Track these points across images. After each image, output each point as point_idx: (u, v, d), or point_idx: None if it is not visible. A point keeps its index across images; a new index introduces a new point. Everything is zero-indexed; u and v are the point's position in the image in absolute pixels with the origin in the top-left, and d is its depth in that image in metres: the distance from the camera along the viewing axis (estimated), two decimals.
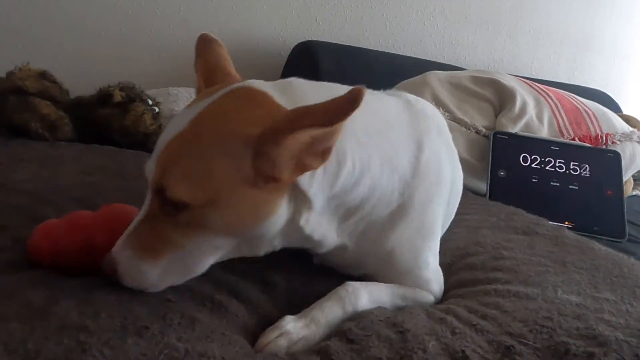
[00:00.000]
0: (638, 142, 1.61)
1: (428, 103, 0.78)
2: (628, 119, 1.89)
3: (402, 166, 0.62)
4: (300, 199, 0.53)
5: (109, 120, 1.09)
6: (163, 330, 0.46)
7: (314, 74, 1.68)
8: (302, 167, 0.49)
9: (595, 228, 1.29)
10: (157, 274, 0.51)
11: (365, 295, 0.61)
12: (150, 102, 1.18)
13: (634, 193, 1.82)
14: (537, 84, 1.66)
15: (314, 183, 0.53)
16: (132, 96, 1.13)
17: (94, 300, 0.50)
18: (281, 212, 0.52)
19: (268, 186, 0.49)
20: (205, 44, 0.65)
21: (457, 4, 2.16)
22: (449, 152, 0.74)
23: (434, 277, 0.70)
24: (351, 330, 0.54)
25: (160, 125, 1.17)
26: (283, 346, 0.52)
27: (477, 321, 0.59)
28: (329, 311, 0.58)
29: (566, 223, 1.30)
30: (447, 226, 0.83)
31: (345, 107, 0.44)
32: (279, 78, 1.92)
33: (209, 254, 0.53)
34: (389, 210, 0.63)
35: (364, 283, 0.63)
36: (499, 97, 1.51)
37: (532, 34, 2.36)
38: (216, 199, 0.48)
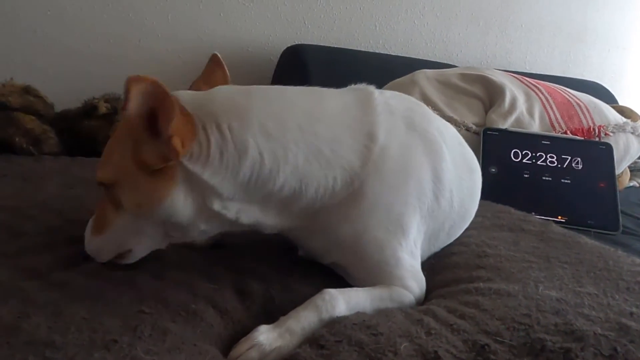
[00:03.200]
0: (631, 132, 1.60)
1: (404, 98, 0.77)
2: (622, 110, 1.88)
3: (343, 157, 0.64)
4: (200, 186, 0.58)
5: (95, 132, 1.10)
6: (132, 342, 0.46)
7: (304, 77, 1.68)
8: (162, 157, 0.55)
9: (589, 221, 1.28)
10: (96, 245, 0.63)
11: (343, 303, 0.61)
12: None
13: (631, 184, 1.80)
14: (527, 78, 1.65)
15: (207, 170, 0.57)
16: (118, 107, 1.13)
17: (65, 314, 0.50)
18: (177, 196, 0.57)
19: (156, 172, 0.56)
20: (212, 63, 0.75)
21: (447, 1, 2.15)
22: (431, 148, 0.72)
23: (408, 275, 0.68)
24: (323, 337, 0.54)
25: None
26: (254, 358, 0.51)
27: (454, 321, 0.58)
28: (304, 320, 0.57)
29: (559, 217, 1.29)
30: (453, 233, 0.82)
31: (126, 94, 0.52)
32: (270, 82, 1.93)
33: (134, 234, 0.61)
34: (338, 199, 0.64)
35: (341, 290, 0.63)
36: (488, 94, 1.51)
37: (524, 27, 2.35)
38: (118, 180, 0.58)
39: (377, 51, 2.03)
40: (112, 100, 1.15)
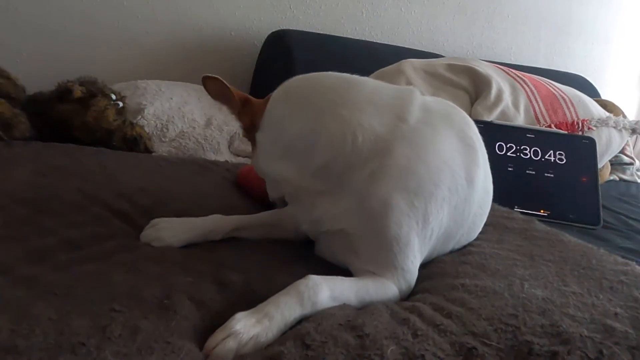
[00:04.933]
0: (614, 127, 1.61)
1: (445, 102, 0.79)
2: (605, 104, 1.89)
3: (365, 121, 0.67)
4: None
5: (69, 116, 1.05)
6: (100, 344, 0.44)
7: (288, 63, 1.64)
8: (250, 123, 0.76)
9: (570, 216, 1.29)
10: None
11: (326, 291, 0.59)
12: (113, 96, 1.13)
13: (612, 178, 1.82)
14: (513, 70, 1.64)
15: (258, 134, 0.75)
16: (94, 91, 1.09)
17: (30, 315, 0.47)
18: (255, 154, 0.77)
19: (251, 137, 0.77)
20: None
21: None
22: (467, 150, 0.73)
23: (407, 267, 0.67)
24: (309, 335, 0.52)
25: (125, 121, 1.13)
26: (231, 348, 0.49)
27: (440, 321, 0.57)
28: (284, 306, 0.55)
29: (542, 211, 1.29)
30: (463, 240, 0.80)
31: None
32: (253, 68, 1.88)
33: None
34: (362, 155, 0.66)
35: (326, 277, 0.61)
36: (475, 85, 1.49)
37: (510, 19, 2.34)
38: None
39: (363, 38, 2.00)
40: (87, 83, 1.10)
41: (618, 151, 1.69)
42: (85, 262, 0.61)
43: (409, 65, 1.49)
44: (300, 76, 0.75)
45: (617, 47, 2.68)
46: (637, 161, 1.96)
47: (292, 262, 0.73)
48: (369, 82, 0.74)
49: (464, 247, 0.82)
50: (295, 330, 0.53)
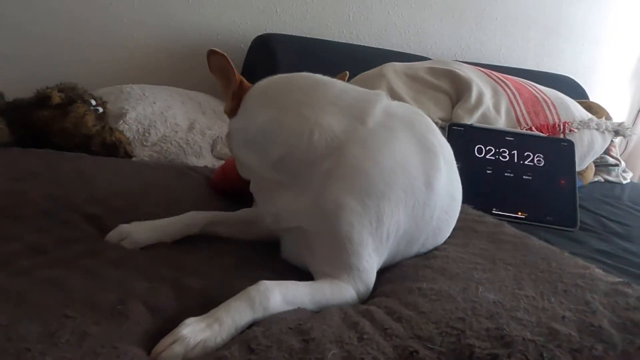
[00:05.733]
0: (596, 129, 1.62)
1: (410, 108, 0.83)
2: (590, 106, 1.90)
3: (324, 120, 0.70)
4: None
5: (48, 122, 1.07)
6: (45, 350, 0.45)
7: (272, 67, 1.65)
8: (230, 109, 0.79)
9: (548, 218, 1.30)
10: None
11: (278, 296, 0.60)
12: (93, 102, 1.15)
13: (596, 179, 1.83)
14: (495, 72, 1.65)
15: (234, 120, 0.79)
16: (73, 97, 1.10)
17: None
18: (229, 137, 0.81)
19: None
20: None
21: None
22: (427, 155, 0.74)
23: (362, 267, 0.68)
24: (256, 339, 0.53)
25: (104, 126, 1.15)
26: (178, 353, 0.51)
27: (389, 325, 0.58)
28: (235, 311, 0.57)
29: (519, 213, 1.31)
30: (429, 244, 0.81)
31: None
32: (240, 71, 1.91)
33: None
34: (317, 152, 0.68)
35: (279, 282, 0.62)
36: (456, 88, 1.50)
37: (499, 20, 2.35)
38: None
39: (350, 42, 2.01)
40: (66, 89, 1.11)
41: (601, 153, 1.70)
42: (47, 267, 0.62)
43: (391, 69, 1.50)
44: (279, 75, 0.79)
45: (607, 48, 2.68)
46: (622, 162, 1.97)
47: (257, 266, 0.74)
48: (337, 85, 0.76)
49: (430, 251, 0.83)
50: (244, 335, 0.55)
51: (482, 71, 1.62)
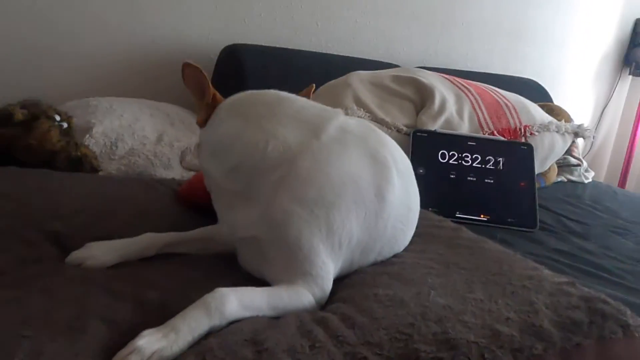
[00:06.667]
0: (556, 131, 1.68)
1: (365, 124, 0.86)
2: (552, 109, 1.96)
3: (279, 132, 0.74)
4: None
5: (12, 140, 1.07)
6: None
7: (240, 77, 1.67)
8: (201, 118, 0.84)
9: (509, 219, 1.34)
10: None
11: (234, 301, 0.62)
12: (58, 117, 1.15)
13: (559, 179, 1.90)
14: (458, 79, 1.70)
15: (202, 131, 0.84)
16: (36, 113, 1.10)
17: None
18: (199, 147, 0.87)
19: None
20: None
21: None
22: (378, 168, 0.78)
23: (315, 273, 0.70)
24: (212, 351, 0.55)
25: (69, 141, 1.15)
26: None
27: (342, 331, 0.61)
28: (191, 319, 0.58)
29: (482, 216, 1.35)
30: (385, 253, 0.84)
31: None
32: (210, 81, 1.89)
33: None
34: (270, 162, 0.72)
35: (235, 289, 0.64)
36: (419, 95, 1.54)
37: (465, 26, 2.41)
38: None
39: (319, 50, 2.04)
40: (29, 106, 1.11)
41: (562, 154, 1.76)
42: (4, 288, 0.63)
43: (356, 78, 1.53)
44: (251, 91, 0.84)
45: (571, 51, 2.76)
46: (584, 162, 2.04)
47: (217, 277, 0.76)
48: (299, 101, 0.80)
49: (388, 258, 0.86)
50: (200, 346, 0.57)
51: (445, 78, 1.67)
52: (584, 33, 2.77)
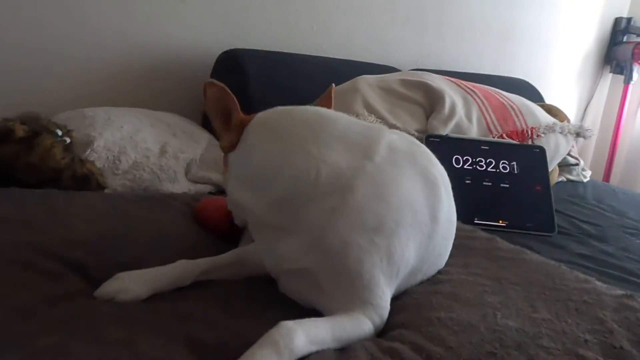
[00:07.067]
0: (560, 132, 1.68)
1: (407, 137, 0.80)
2: (550, 109, 1.97)
3: (330, 157, 0.68)
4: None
5: (12, 158, 0.98)
6: None
7: (241, 83, 1.61)
8: (227, 143, 0.76)
9: (527, 224, 1.33)
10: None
11: (302, 336, 0.58)
12: (59, 132, 1.07)
13: (560, 179, 1.90)
14: (463, 81, 1.68)
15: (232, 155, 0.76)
16: (37, 129, 1.02)
17: None
18: (225, 174, 0.79)
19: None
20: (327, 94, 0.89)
21: (383, 2, 2.15)
22: (430, 188, 0.74)
23: (375, 302, 0.66)
24: None
25: (73, 158, 1.07)
26: None
27: None
28: (261, 359, 0.54)
29: (500, 222, 1.33)
30: (431, 271, 0.81)
31: None
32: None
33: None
34: (322, 190, 0.66)
35: (299, 322, 0.60)
36: (429, 99, 1.52)
37: (456, 27, 2.40)
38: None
39: (315, 54, 1.99)
40: (29, 121, 1.03)
41: (565, 155, 1.77)
42: (41, 333, 0.56)
43: (364, 83, 1.50)
44: (280, 108, 0.77)
45: (557, 51, 2.80)
46: (581, 161, 2.06)
47: (264, 306, 0.71)
48: (341, 120, 0.75)
49: (433, 275, 0.82)
50: None
51: (451, 80, 1.65)
52: (568, 33, 2.82)
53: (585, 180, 1.97)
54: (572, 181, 1.94)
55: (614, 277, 1.09)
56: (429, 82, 1.53)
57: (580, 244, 1.28)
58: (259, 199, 0.70)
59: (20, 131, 0.98)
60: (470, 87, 1.65)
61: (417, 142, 0.83)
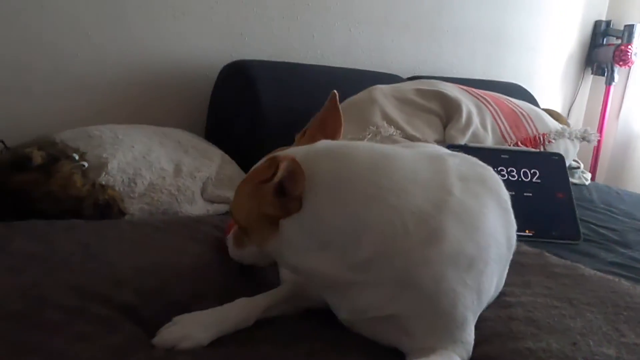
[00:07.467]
0: (569, 138, 1.69)
1: (472, 163, 0.78)
2: (551, 113, 1.99)
3: (411, 203, 0.62)
4: (282, 237, 0.65)
5: (29, 187, 0.90)
6: None
7: (252, 95, 1.55)
8: (286, 211, 0.62)
9: (553, 233, 1.32)
10: (238, 255, 0.80)
11: None
12: (76, 156, 0.99)
13: None
14: (474, 89, 1.67)
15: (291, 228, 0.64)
16: (55, 154, 0.94)
17: None
18: (273, 242, 0.65)
19: (269, 221, 0.64)
20: (330, 104, 0.78)
21: (380, 8, 2.13)
22: (505, 215, 0.73)
23: (465, 340, 0.64)
24: None
25: (94, 184, 0.99)
26: None
27: None
28: None
29: (527, 231, 1.32)
30: (496, 294, 0.79)
31: (268, 172, 0.60)
32: (208, 100, 1.76)
33: (257, 257, 0.76)
34: (413, 241, 0.61)
35: None
36: (445, 109, 1.50)
37: (450, 33, 2.41)
38: (247, 226, 0.69)
39: (315, 62, 1.95)
40: (46, 145, 0.95)
41: (572, 159, 1.79)
42: None
43: (380, 93, 1.47)
44: (324, 150, 0.67)
45: (544, 54, 2.85)
46: (581, 164, 2.09)
47: (347, 348, 0.66)
48: (405, 157, 0.68)
49: (498, 297, 0.80)
50: None
51: (463, 88, 1.64)
52: (552, 36, 2.87)
53: (587, 183, 2.00)
54: (575, 184, 1.96)
55: None
56: (445, 91, 1.51)
57: (608, 251, 1.28)
58: (336, 262, 0.62)
59: (39, 158, 0.90)
60: (482, 94, 1.64)
61: (477, 161, 0.80)
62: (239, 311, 0.69)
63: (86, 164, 1.00)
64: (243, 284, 0.80)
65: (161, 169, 1.26)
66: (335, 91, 0.78)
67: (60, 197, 0.93)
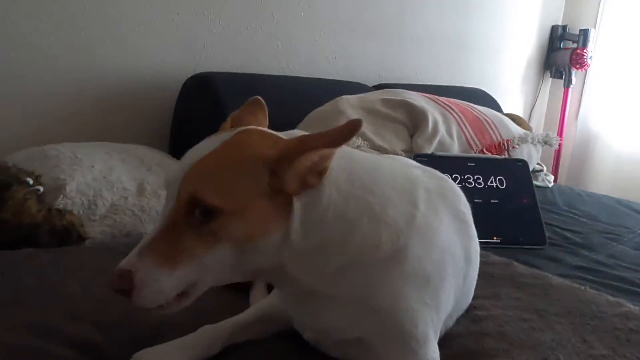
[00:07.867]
0: (532, 143, 1.73)
1: (433, 174, 0.77)
2: (514, 118, 2.03)
3: (389, 215, 0.62)
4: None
5: None
6: None
7: (215, 108, 1.52)
8: (305, 184, 0.57)
9: (520, 239, 1.34)
10: (173, 285, 0.53)
11: None
12: (30, 181, 0.94)
13: None
14: (440, 98, 1.69)
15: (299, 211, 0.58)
16: (6, 179, 0.89)
17: None
18: (279, 233, 0.57)
19: (277, 201, 0.56)
20: (253, 105, 0.74)
21: (344, 17, 2.13)
22: (462, 227, 0.73)
23: (432, 357, 0.63)
24: None
25: (50, 209, 0.94)
26: None
27: None
28: None
29: (495, 238, 1.33)
30: (464, 307, 0.79)
31: (346, 132, 0.53)
32: (172, 113, 1.71)
33: (215, 270, 0.56)
34: (382, 254, 0.61)
35: None
36: (411, 118, 1.51)
37: (413, 40, 2.43)
38: (241, 208, 0.54)
39: (280, 73, 1.94)
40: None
41: (535, 164, 1.83)
42: None
43: (347, 104, 1.46)
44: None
45: (506, 58, 2.92)
46: (544, 167, 2.14)
47: None
48: (385, 166, 0.69)
49: (467, 310, 0.80)
50: None
51: (428, 97, 1.65)
52: (513, 41, 2.95)
53: (550, 185, 2.05)
54: (538, 187, 2.01)
55: (616, 288, 1.11)
56: (410, 100, 1.52)
57: (572, 254, 1.31)
58: (315, 272, 0.61)
59: None
60: (447, 102, 1.66)
61: (439, 174, 0.79)
62: (203, 340, 0.67)
63: (41, 188, 0.95)
64: (210, 312, 0.78)
65: (123, 188, 1.21)
66: (259, 97, 0.76)
67: (14, 226, 0.88)
